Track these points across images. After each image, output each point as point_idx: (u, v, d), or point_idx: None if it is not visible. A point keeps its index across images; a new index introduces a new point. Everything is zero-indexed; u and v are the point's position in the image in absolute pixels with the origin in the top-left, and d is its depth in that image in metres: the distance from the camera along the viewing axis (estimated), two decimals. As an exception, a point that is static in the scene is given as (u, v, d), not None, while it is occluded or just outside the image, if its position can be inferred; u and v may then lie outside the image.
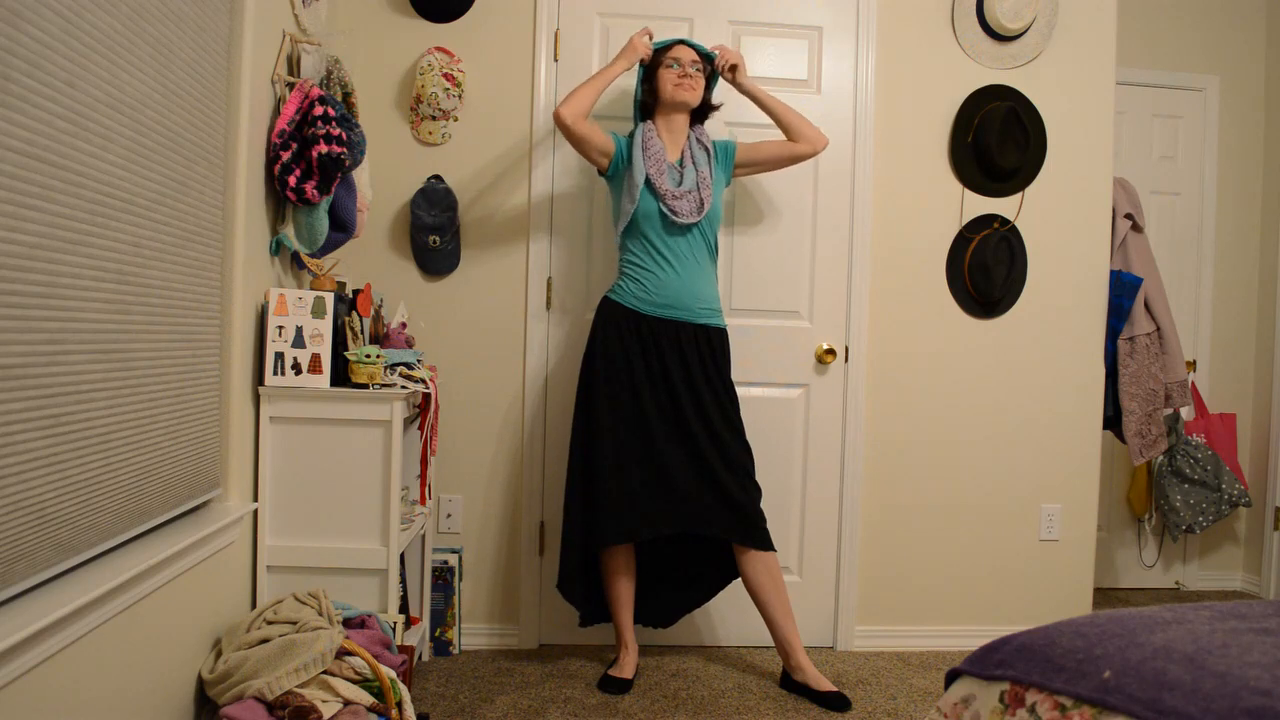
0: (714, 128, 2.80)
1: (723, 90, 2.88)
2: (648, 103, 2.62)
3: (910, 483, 3.05)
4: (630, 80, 2.84)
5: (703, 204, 2.54)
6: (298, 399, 2.10)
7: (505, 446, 2.92)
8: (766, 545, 2.52)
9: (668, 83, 2.56)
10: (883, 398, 3.02)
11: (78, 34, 1.34)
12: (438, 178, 2.83)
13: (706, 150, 2.63)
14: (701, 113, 2.68)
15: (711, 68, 2.64)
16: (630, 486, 2.49)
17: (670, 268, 2.54)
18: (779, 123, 2.66)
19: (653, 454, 2.50)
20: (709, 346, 2.56)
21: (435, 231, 2.77)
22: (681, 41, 2.60)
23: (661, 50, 2.59)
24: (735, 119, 2.92)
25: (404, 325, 2.58)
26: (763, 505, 2.58)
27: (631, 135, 2.60)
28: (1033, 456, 3.08)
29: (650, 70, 2.60)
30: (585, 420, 2.56)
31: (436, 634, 2.81)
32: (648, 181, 2.51)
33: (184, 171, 1.72)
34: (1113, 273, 3.15)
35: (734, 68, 2.63)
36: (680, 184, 2.55)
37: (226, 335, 1.95)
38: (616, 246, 2.64)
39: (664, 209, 2.50)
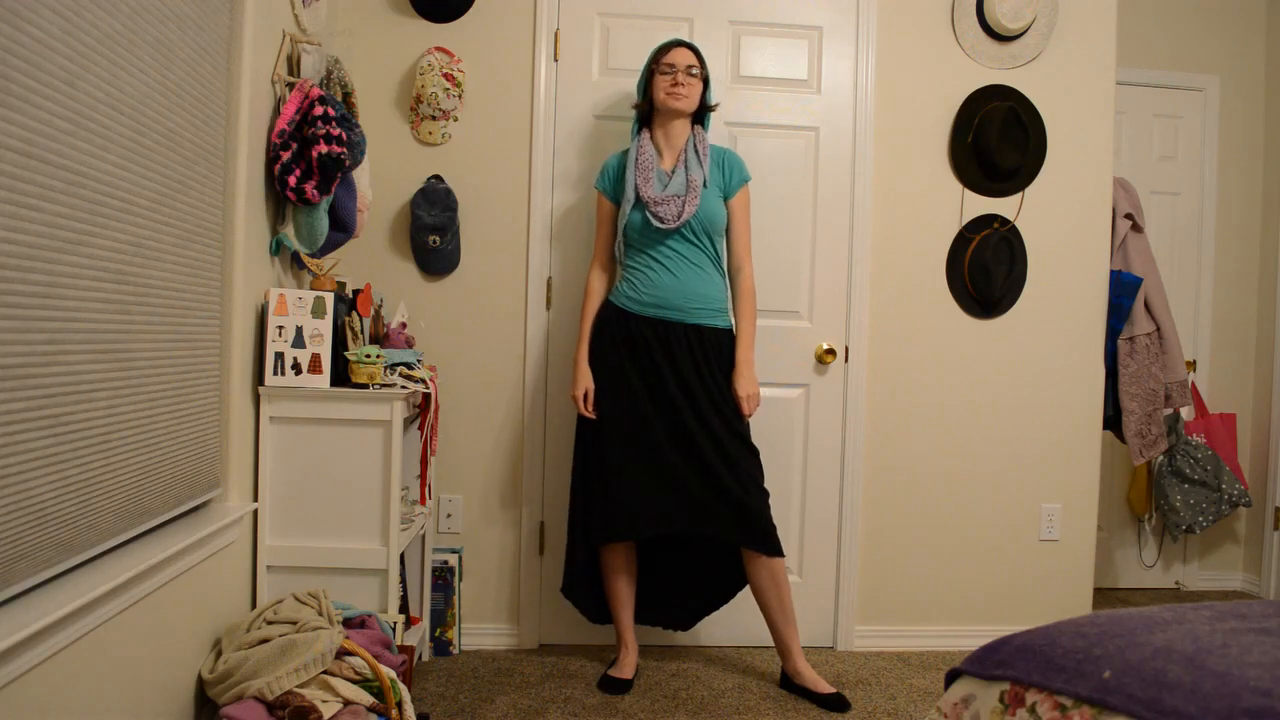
0: (714, 128, 2.80)
1: (723, 90, 2.89)
2: (645, 111, 2.59)
3: (910, 483, 3.04)
4: (630, 85, 2.84)
5: (683, 209, 2.48)
6: (298, 399, 2.10)
7: (505, 446, 2.92)
8: (774, 551, 2.51)
9: (660, 90, 2.52)
10: (883, 397, 3.02)
11: (78, 34, 1.34)
12: (438, 178, 2.83)
13: (704, 157, 2.56)
14: (700, 114, 2.63)
15: (706, 71, 2.60)
16: (630, 483, 2.48)
17: (664, 269, 2.53)
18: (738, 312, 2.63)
19: (653, 453, 2.49)
20: (703, 347, 2.53)
21: (435, 231, 2.77)
22: (678, 43, 2.55)
23: (656, 57, 2.54)
24: (735, 119, 2.92)
25: (404, 325, 2.59)
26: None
27: (625, 153, 2.60)
28: (1033, 456, 3.08)
29: (648, 77, 2.57)
30: (587, 421, 2.57)
31: (436, 634, 2.81)
32: (636, 192, 2.51)
33: (184, 171, 1.72)
34: (1113, 273, 3.15)
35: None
36: (666, 189, 2.53)
37: (226, 335, 1.95)
38: (618, 259, 2.63)
39: (648, 215, 2.49)
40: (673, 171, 2.56)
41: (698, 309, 2.54)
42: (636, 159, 2.55)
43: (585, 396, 2.55)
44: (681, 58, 2.53)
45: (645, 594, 2.74)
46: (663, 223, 2.49)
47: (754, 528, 2.49)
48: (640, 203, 2.51)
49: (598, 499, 2.52)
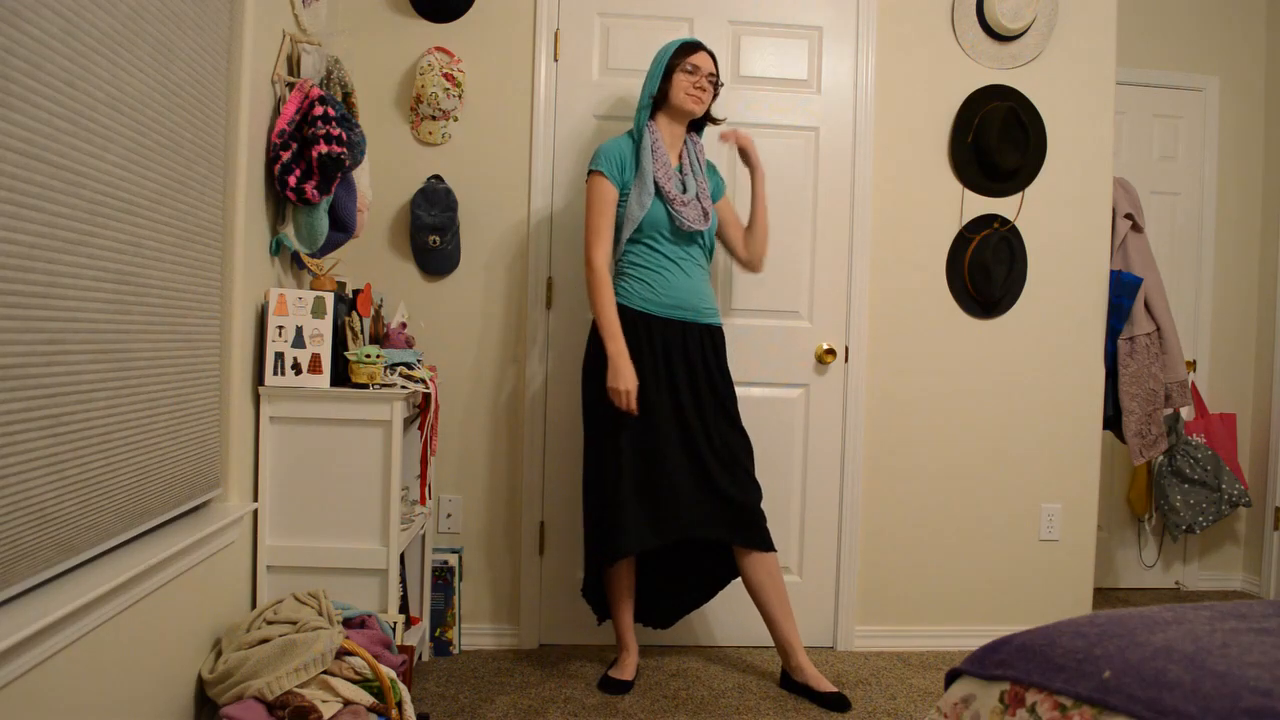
0: (714, 127, 2.80)
1: (723, 90, 2.88)
2: (657, 101, 2.56)
3: (910, 482, 3.05)
4: (630, 85, 2.84)
5: (706, 213, 2.55)
6: (298, 399, 2.10)
7: (505, 446, 2.92)
8: (767, 546, 2.52)
9: (680, 89, 2.51)
10: (883, 397, 3.02)
11: (78, 34, 1.34)
12: (438, 178, 2.83)
13: (702, 163, 2.63)
14: (700, 123, 2.65)
15: (719, 80, 2.59)
16: (638, 497, 2.46)
17: (680, 270, 2.53)
18: (753, 226, 2.69)
19: (659, 458, 2.47)
20: (713, 345, 2.57)
21: (435, 231, 2.77)
22: (699, 46, 2.54)
23: (679, 54, 2.52)
24: (735, 119, 2.92)
25: (404, 325, 2.58)
26: (763, 505, 2.57)
27: (632, 137, 2.57)
28: (1033, 456, 3.08)
29: (667, 70, 2.52)
30: (596, 429, 2.54)
31: (436, 634, 2.81)
32: (658, 187, 2.50)
33: (184, 171, 1.72)
34: (1113, 273, 3.15)
35: (744, 152, 2.66)
36: (685, 190, 2.55)
37: (226, 335, 1.95)
38: (617, 251, 2.61)
39: (673, 213, 2.49)
40: (681, 171, 2.58)
41: (707, 309, 2.57)
42: (654, 149, 2.52)
43: (630, 393, 2.42)
44: (707, 63, 2.54)
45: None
46: (690, 225, 2.50)
47: (749, 526, 2.49)
48: (663, 199, 2.50)
49: (609, 515, 2.48)
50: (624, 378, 2.42)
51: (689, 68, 2.52)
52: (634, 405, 2.43)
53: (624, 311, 2.52)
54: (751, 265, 2.75)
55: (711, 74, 2.54)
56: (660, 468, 2.47)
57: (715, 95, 2.60)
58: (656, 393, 2.49)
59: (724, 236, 2.74)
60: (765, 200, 2.68)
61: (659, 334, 2.51)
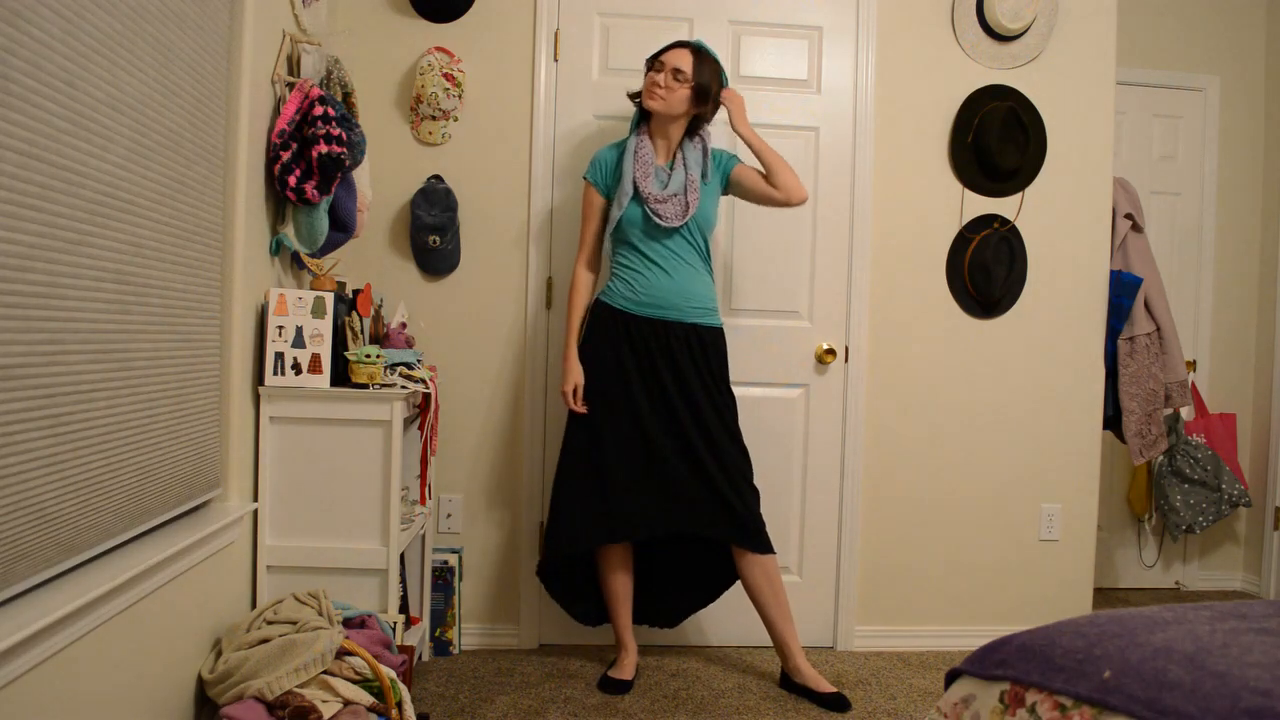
0: (715, 128, 2.79)
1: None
2: (639, 104, 2.58)
3: (910, 482, 3.04)
4: (630, 85, 2.83)
5: (687, 207, 2.50)
6: (298, 399, 2.10)
7: (505, 446, 2.92)
8: (764, 548, 2.52)
9: (645, 88, 2.52)
10: (883, 398, 3.02)
11: (78, 34, 1.34)
12: (438, 178, 2.83)
13: (702, 154, 2.58)
14: (697, 124, 2.59)
15: (702, 80, 2.51)
16: (624, 486, 2.48)
17: (659, 269, 2.53)
18: (762, 164, 2.57)
19: (647, 453, 2.49)
20: (701, 346, 2.53)
21: (435, 231, 2.77)
22: (680, 44, 2.53)
23: (657, 53, 2.53)
24: (735, 119, 2.92)
25: (404, 325, 2.59)
26: (763, 505, 2.57)
27: (622, 144, 2.59)
28: (1033, 456, 3.08)
29: (645, 72, 2.55)
30: (578, 419, 2.56)
31: (436, 634, 2.81)
32: (635, 187, 2.50)
33: (184, 171, 1.72)
34: (1113, 273, 3.15)
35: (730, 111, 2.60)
36: (666, 187, 2.53)
37: (226, 335, 1.95)
38: (609, 252, 2.63)
39: (648, 211, 2.49)
40: (670, 168, 2.56)
41: (695, 308, 2.55)
42: (636, 150, 2.53)
43: (575, 391, 2.55)
44: (673, 59, 2.49)
45: (634, 592, 2.73)
46: (664, 220, 2.48)
47: (746, 526, 2.49)
48: (640, 198, 2.50)
49: (591, 500, 2.51)
50: (564, 378, 2.59)
51: (656, 65, 2.51)
52: (575, 405, 2.55)
53: (608, 311, 2.55)
54: (789, 200, 2.57)
55: (677, 70, 2.47)
56: (654, 461, 2.48)
57: (696, 94, 2.49)
58: (644, 390, 2.50)
59: (757, 195, 2.60)
60: (758, 137, 2.56)
61: (637, 332, 2.52)
